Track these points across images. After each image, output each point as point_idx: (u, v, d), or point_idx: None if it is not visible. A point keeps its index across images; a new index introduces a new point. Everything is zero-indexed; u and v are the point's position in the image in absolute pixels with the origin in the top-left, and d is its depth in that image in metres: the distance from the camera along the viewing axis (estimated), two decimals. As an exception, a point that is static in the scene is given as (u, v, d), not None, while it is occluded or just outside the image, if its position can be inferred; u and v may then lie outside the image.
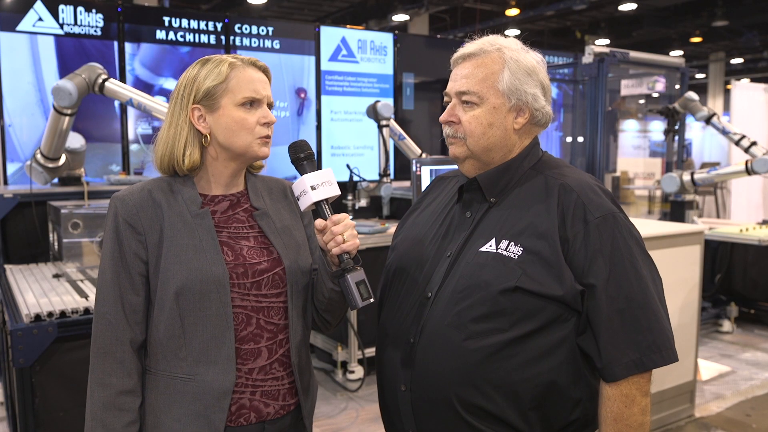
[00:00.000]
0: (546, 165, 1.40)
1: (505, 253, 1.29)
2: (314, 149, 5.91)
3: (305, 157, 1.38)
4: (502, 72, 1.34)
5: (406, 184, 5.09)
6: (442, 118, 1.41)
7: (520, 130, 1.38)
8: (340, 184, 4.79)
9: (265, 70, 1.41)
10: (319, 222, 1.33)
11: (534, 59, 1.38)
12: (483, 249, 1.32)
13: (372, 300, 1.34)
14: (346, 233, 1.31)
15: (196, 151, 1.36)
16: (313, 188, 1.33)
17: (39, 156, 3.57)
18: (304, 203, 1.34)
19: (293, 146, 1.40)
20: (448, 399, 1.29)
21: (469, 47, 1.38)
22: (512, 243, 1.30)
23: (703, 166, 11.18)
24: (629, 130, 14.99)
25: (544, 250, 1.27)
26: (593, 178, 1.39)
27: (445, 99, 1.42)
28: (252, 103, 1.36)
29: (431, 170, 3.12)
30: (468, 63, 1.37)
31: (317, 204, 1.34)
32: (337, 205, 4.92)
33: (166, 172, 1.40)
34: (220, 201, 1.41)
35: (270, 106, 1.40)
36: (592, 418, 1.33)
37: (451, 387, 1.28)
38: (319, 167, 1.37)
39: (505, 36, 1.41)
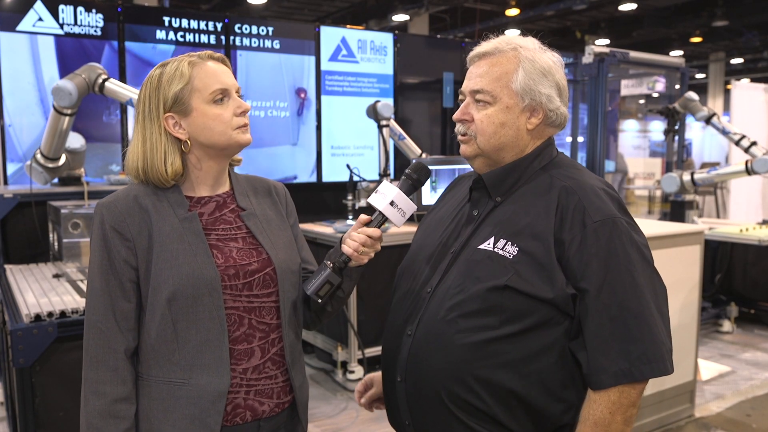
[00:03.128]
0: (556, 166, 1.39)
1: (501, 252, 1.29)
2: (314, 149, 5.86)
3: (413, 181, 1.44)
4: (516, 72, 1.33)
5: (406, 184, 5.08)
6: (456, 116, 1.40)
7: (534, 130, 1.37)
8: (340, 184, 4.79)
9: (223, 61, 1.40)
10: (364, 218, 1.39)
11: (550, 59, 1.36)
12: (481, 247, 1.32)
13: (320, 302, 1.42)
14: (366, 247, 1.38)
15: (177, 159, 1.35)
16: (392, 204, 1.38)
17: (39, 156, 3.58)
18: (373, 200, 1.39)
19: (420, 166, 1.45)
20: (438, 393, 1.30)
21: (485, 46, 1.38)
22: (509, 243, 1.29)
23: (703, 166, 11.18)
24: (629, 130, 14.99)
25: (538, 251, 1.26)
26: (602, 181, 1.37)
27: (460, 97, 1.41)
28: (222, 95, 1.35)
29: (431, 170, 3.11)
30: (483, 62, 1.36)
31: (379, 211, 1.39)
32: (338, 204, 4.92)
33: (146, 183, 1.38)
34: (206, 203, 1.40)
35: (238, 92, 1.39)
36: None
37: (441, 381, 1.29)
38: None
39: (523, 35, 1.40)
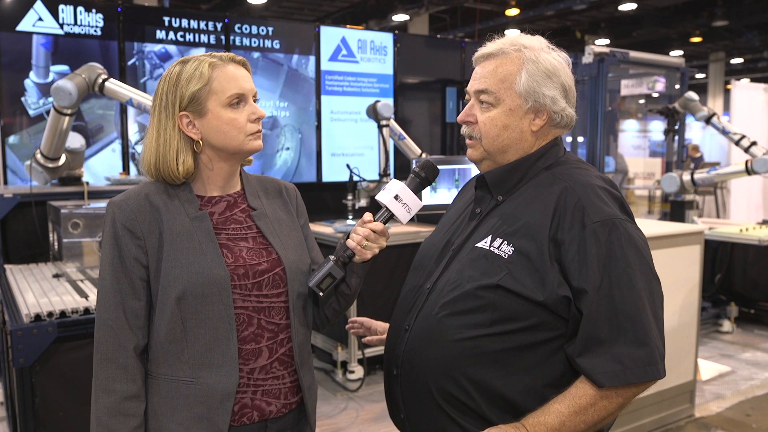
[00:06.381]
0: (560, 165, 1.37)
1: (496, 251, 1.29)
2: (314, 149, 5.85)
3: (421, 179, 1.45)
4: (519, 73, 1.32)
5: (406, 184, 5.07)
6: (460, 117, 1.40)
7: (538, 132, 1.36)
8: (340, 184, 4.79)
9: (244, 64, 1.40)
10: (368, 216, 1.40)
11: (556, 60, 1.35)
12: (478, 245, 1.33)
13: (321, 295, 1.41)
14: (371, 242, 1.39)
15: (189, 158, 1.35)
16: (396, 198, 1.39)
17: (39, 156, 3.58)
18: (379, 195, 1.41)
19: (428, 164, 1.46)
20: (429, 388, 1.31)
21: (490, 47, 1.37)
22: (505, 242, 1.29)
23: (703, 166, 11.18)
24: (629, 130, 14.99)
25: (533, 252, 1.25)
26: (605, 179, 1.35)
27: (466, 97, 1.41)
28: (239, 100, 1.35)
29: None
30: (488, 63, 1.36)
31: (385, 207, 1.41)
32: (338, 204, 4.92)
33: (158, 179, 1.39)
34: (217, 202, 1.41)
35: (254, 98, 1.39)
36: None
37: (432, 377, 1.30)
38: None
39: (531, 34, 1.39)
